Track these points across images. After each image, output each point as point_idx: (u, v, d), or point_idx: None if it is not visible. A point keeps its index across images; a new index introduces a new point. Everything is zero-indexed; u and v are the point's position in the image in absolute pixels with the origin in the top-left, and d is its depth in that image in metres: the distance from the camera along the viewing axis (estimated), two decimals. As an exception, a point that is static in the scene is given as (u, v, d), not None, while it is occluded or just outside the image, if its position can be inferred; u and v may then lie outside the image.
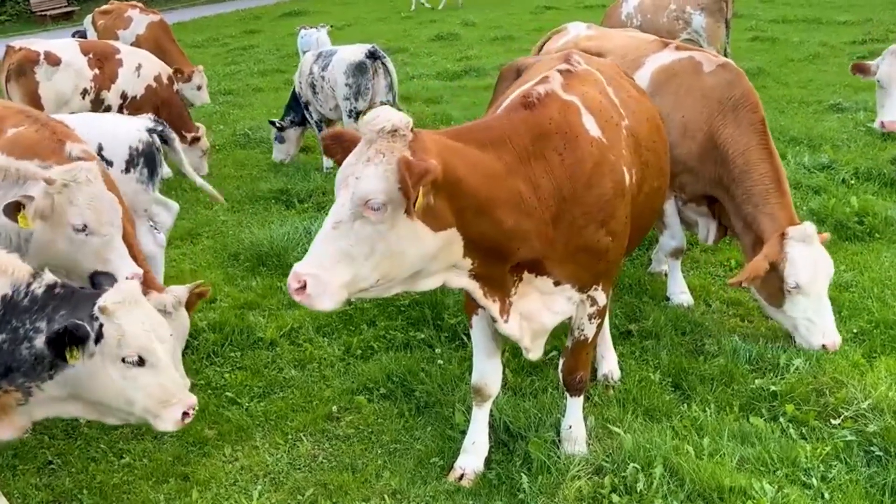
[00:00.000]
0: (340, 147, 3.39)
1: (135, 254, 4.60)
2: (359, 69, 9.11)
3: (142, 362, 3.48)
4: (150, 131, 5.71)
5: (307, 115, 9.80)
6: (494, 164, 3.35)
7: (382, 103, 9.26)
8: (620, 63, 5.60)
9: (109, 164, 5.47)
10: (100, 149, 5.41)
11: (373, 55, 9.16)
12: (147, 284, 4.73)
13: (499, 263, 3.54)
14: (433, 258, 3.34)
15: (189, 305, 4.78)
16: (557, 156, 3.55)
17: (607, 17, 10.86)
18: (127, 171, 5.55)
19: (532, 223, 3.48)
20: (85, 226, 4.14)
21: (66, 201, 4.09)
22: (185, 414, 3.60)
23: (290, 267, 6.58)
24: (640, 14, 10.44)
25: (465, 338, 5.39)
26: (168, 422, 3.59)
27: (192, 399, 3.66)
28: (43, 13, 29.16)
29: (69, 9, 29.41)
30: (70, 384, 3.54)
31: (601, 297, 3.96)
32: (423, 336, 5.57)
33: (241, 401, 5.01)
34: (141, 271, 4.37)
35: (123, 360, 3.46)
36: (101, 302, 3.47)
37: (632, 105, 4.13)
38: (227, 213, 8.40)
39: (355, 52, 9.26)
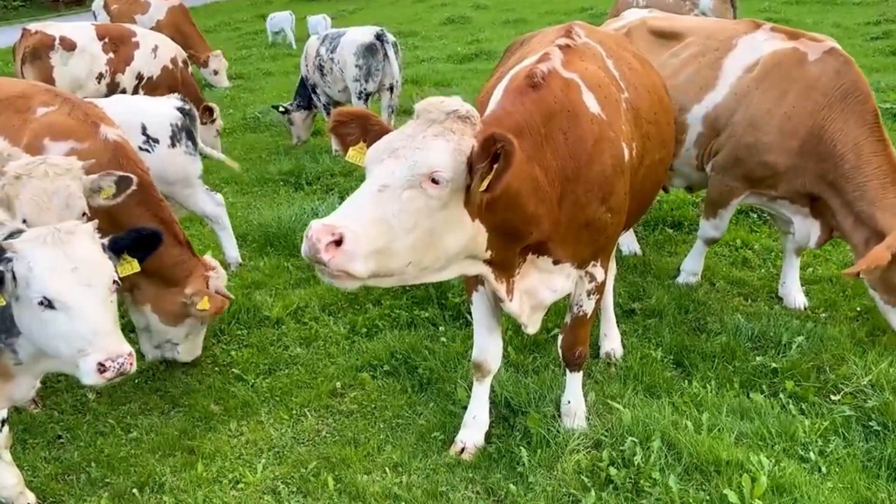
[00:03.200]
0: (363, 128, 3.35)
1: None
2: (368, 50, 9.13)
3: (52, 305, 3.17)
4: (180, 109, 6.03)
5: (314, 98, 9.82)
6: (519, 154, 3.29)
7: (390, 85, 9.32)
8: (708, 43, 5.46)
9: (155, 141, 5.78)
10: (144, 129, 5.74)
11: (380, 37, 9.17)
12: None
13: (513, 248, 3.54)
14: (463, 248, 3.27)
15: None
16: (562, 135, 3.53)
17: None
18: (173, 145, 5.88)
19: (545, 207, 3.47)
20: (24, 220, 4.03)
21: (14, 194, 4.05)
22: (101, 365, 3.14)
23: (297, 248, 6.84)
24: (647, -6, 10.32)
25: (468, 316, 5.41)
26: (86, 374, 3.18)
27: (113, 348, 3.18)
28: (56, -2, 29.32)
29: (82, -6, 29.50)
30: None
31: (599, 273, 3.98)
32: (427, 315, 5.62)
33: (247, 377, 5.07)
34: None
35: (39, 303, 3.18)
36: (6, 240, 3.23)
37: (632, 78, 4.12)
38: (236, 195, 8.47)
39: (364, 33, 9.27)
